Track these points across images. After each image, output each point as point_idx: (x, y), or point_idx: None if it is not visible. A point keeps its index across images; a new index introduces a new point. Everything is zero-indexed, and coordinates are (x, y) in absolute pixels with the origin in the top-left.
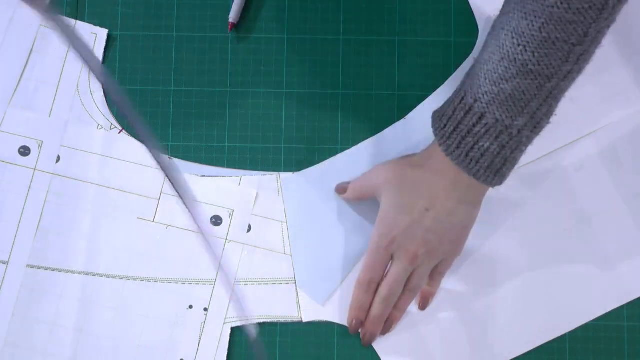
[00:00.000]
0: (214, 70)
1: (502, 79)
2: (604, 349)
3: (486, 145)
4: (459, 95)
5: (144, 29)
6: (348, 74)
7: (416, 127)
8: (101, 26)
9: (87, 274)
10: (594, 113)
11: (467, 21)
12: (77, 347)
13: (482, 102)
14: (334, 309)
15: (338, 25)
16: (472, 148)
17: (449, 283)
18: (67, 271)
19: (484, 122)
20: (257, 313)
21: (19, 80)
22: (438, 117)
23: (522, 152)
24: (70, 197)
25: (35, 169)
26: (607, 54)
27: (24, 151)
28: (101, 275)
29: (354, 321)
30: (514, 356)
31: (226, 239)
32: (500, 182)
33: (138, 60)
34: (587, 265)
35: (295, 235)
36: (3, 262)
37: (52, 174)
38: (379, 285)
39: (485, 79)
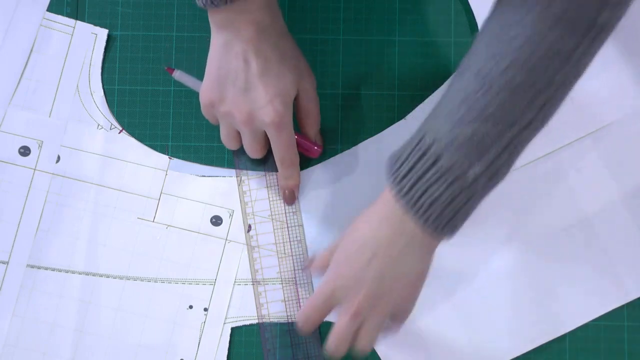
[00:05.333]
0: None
1: (462, 122)
2: (604, 349)
3: (438, 191)
4: (417, 136)
5: (144, 29)
6: (348, 74)
7: (416, 127)
8: (101, 26)
9: (87, 274)
10: (594, 113)
11: (467, 21)
12: (77, 347)
13: (440, 144)
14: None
15: (338, 25)
16: (423, 193)
17: (449, 283)
18: (67, 271)
19: (439, 165)
20: (258, 313)
21: (19, 80)
22: (393, 159)
23: (476, 203)
24: (70, 197)
25: (35, 169)
26: (607, 54)
27: (24, 151)
28: (101, 275)
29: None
30: (514, 356)
31: (226, 239)
32: (450, 235)
33: (138, 60)
34: (587, 265)
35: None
36: (3, 262)
37: (52, 174)
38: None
39: (446, 120)
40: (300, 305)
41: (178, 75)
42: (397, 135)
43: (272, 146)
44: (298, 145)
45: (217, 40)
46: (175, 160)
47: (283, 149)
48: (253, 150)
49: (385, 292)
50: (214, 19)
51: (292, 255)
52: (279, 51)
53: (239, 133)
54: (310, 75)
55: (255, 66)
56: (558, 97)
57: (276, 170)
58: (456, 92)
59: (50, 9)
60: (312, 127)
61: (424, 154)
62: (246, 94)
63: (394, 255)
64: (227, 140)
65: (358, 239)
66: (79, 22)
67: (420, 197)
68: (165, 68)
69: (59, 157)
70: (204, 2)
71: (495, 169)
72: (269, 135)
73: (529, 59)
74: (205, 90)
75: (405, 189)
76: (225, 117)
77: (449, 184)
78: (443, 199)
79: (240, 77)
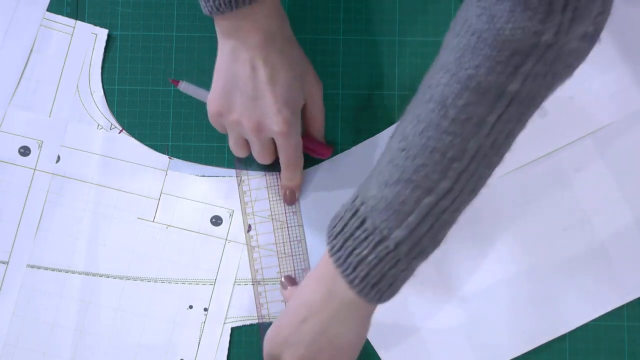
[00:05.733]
0: (214, 70)
1: (386, 184)
2: (604, 349)
3: (365, 252)
4: (354, 195)
5: (144, 29)
6: (348, 74)
7: None
8: (101, 26)
9: (87, 274)
10: (594, 113)
11: None
12: (77, 347)
13: (367, 206)
14: None
15: (338, 25)
16: (351, 252)
17: (449, 283)
18: (67, 271)
19: (364, 227)
20: (258, 313)
21: (19, 80)
22: (333, 217)
23: (402, 272)
24: (70, 197)
25: (35, 169)
26: (607, 54)
27: (24, 151)
28: (101, 275)
29: None
30: (514, 356)
31: (226, 239)
32: (378, 299)
33: (138, 60)
34: (587, 265)
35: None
36: (3, 262)
37: (52, 174)
38: None
39: (374, 181)
40: None
41: (183, 86)
42: None
43: (278, 151)
44: (309, 148)
45: (224, 48)
46: (175, 160)
47: (290, 154)
48: (262, 158)
49: (316, 354)
50: (220, 27)
51: (292, 255)
52: (286, 58)
53: (247, 141)
54: (317, 82)
55: (263, 74)
56: (474, 168)
57: (276, 171)
58: (386, 153)
59: (50, 9)
60: (317, 131)
61: (354, 214)
62: (254, 102)
63: (327, 317)
64: (236, 149)
65: (298, 297)
66: (79, 22)
67: (349, 256)
68: (170, 80)
69: (59, 157)
70: (209, 9)
71: (417, 237)
72: (276, 142)
73: (440, 124)
74: (213, 99)
75: (336, 247)
76: (234, 126)
77: (374, 245)
78: (369, 259)
79: (248, 85)
